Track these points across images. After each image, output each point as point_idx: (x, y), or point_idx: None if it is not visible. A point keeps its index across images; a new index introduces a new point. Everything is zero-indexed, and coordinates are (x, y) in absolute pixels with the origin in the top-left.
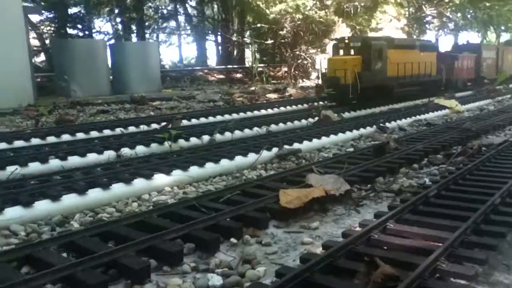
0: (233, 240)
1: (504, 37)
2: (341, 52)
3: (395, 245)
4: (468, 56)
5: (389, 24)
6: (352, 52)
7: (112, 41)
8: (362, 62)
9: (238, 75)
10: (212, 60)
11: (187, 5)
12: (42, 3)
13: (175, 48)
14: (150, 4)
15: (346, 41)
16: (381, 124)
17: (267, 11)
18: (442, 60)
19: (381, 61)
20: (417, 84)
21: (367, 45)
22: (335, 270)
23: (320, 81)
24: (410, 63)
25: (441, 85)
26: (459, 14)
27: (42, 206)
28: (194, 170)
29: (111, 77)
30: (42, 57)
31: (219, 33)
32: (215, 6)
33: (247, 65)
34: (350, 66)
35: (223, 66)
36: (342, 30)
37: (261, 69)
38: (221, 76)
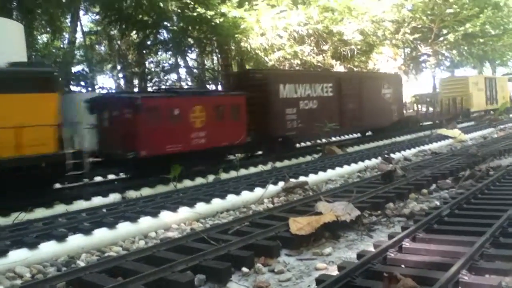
0: (244, 269)
1: (500, 71)
2: None
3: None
4: (208, 99)
5: (386, 64)
6: None
7: None
8: None
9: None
10: None
11: (187, 58)
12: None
13: None
14: (151, 59)
15: None
16: (386, 155)
17: (266, 59)
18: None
19: None
20: None
21: None
22: None
23: None
24: None
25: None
26: (454, 51)
27: (48, 248)
28: (200, 207)
29: None
30: None
31: (219, 82)
32: (215, 57)
33: None
34: None
35: None
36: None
37: None
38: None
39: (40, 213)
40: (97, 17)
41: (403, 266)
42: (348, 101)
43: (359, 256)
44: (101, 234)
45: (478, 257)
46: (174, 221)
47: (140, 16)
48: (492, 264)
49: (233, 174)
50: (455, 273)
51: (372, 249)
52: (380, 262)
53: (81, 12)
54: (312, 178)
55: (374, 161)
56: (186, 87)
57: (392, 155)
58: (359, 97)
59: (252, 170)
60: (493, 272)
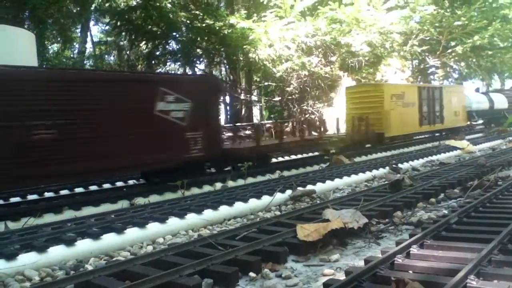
0: (252, 274)
1: (509, 83)
2: None
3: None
4: None
5: (394, 76)
6: None
7: None
8: None
9: (247, 132)
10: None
11: (196, 68)
12: None
13: None
14: (160, 69)
15: None
16: (393, 165)
17: (274, 70)
18: None
19: None
20: None
21: None
22: None
23: None
24: None
25: None
26: (462, 64)
27: (57, 252)
28: (208, 213)
29: None
30: None
31: (227, 93)
32: (223, 68)
33: (255, 121)
34: None
35: (232, 124)
36: (348, 83)
37: (269, 125)
38: (230, 134)
39: (49, 218)
40: (107, 27)
41: (410, 271)
42: (34, 125)
43: (367, 261)
44: (109, 239)
45: (486, 263)
46: (182, 227)
47: (150, 27)
48: (500, 270)
49: (240, 182)
50: (463, 278)
51: (379, 255)
52: (388, 267)
53: (91, 23)
54: (319, 186)
55: (381, 171)
56: None
57: (400, 165)
58: (73, 115)
59: (260, 178)
60: (501, 277)
